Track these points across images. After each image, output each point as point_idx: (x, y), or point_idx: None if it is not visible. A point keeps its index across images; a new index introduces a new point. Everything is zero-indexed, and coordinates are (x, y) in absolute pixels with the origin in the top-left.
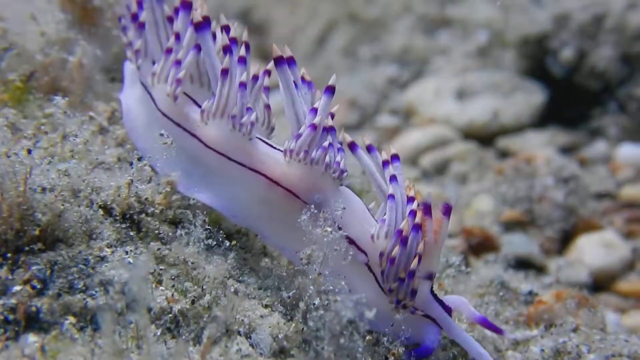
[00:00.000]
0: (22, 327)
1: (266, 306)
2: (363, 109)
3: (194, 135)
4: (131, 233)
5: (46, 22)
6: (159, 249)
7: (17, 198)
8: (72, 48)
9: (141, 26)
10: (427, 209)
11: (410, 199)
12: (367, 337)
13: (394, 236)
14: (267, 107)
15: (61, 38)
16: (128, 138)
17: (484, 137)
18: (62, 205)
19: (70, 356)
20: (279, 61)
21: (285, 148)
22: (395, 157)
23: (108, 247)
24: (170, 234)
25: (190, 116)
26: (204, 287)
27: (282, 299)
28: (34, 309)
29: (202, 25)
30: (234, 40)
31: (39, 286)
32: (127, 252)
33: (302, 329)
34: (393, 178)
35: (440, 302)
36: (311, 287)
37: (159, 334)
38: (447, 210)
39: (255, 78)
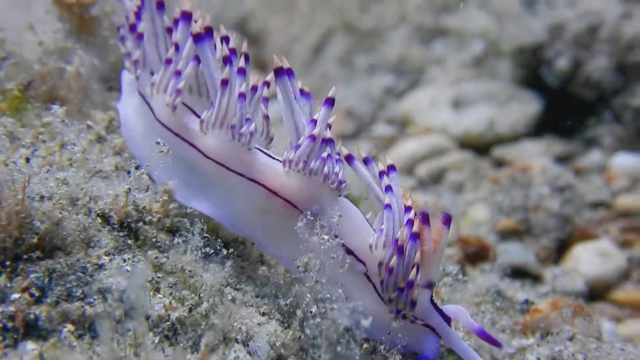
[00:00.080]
0: (21, 335)
1: (264, 314)
2: (359, 119)
3: (193, 145)
4: (129, 241)
5: (44, 32)
6: (156, 257)
7: (15, 206)
8: (70, 57)
9: (140, 37)
10: (424, 217)
11: (408, 209)
12: (365, 345)
13: (391, 246)
14: (266, 117)
15: (59, 47)
16: (125, 147)
17: (479, 146)
18: (61, 213)
19: None
20: (278, 72)
21: (284, 158)
22: (391, 168)
23: (106, 255)
24: (167, 242)
25: (189, 126)
26: (202, 294)
27: (279, 306)
28: (32, 316)
29: (201, 37)
30: (233, 51)
31: (37, 294)
32: (125, 260)
33: (300, 336)
34: (389, 188)
35: (440, 312)
36: (308, 295)
37: (157, 341)
38: (447, 220)
39: (254, 88)
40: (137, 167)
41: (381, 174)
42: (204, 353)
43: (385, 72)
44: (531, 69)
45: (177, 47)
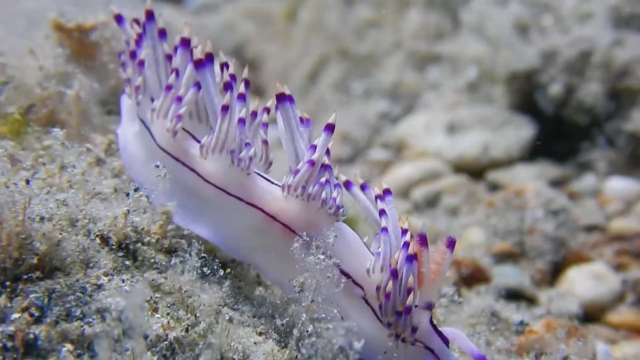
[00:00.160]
0: (21, 355)
1: (260, 333)
2: (355, 143)
3: (193, 169)
4: (127, 262)
5: (44, 57)
6: (153, 279)
7: (16, 227)
8: (70, 81)
9: (141, 64)
10: (422, 239)
11: (404, 231)
12: None
13: (388, 269)
14: (265, 142)
15: (59, 72)
16: (124, 170)
17: (474, 170)
18: (60, 234)
19: None
20: (280, 98)
21: (283, 183)
22: (387, 191)
23: (105, 276)
24: (163, 262)
25: (190, 151)
26: (199, 314)
27: (276, 326)
28: (32, 336)
29: (202, 63)
30: (233, 77)
31: (37, 314)
32: (123, 281)
33: (296, 356)
34: (385, 212)
35: (440, 334)
36: (304, 315)
37: None
38: (451, 244)
39: (254, 114)
40: (136, 190)
41: (377, 197)
42: None
43: (381, 98)
44: (525, 95)
45: (177, 73)
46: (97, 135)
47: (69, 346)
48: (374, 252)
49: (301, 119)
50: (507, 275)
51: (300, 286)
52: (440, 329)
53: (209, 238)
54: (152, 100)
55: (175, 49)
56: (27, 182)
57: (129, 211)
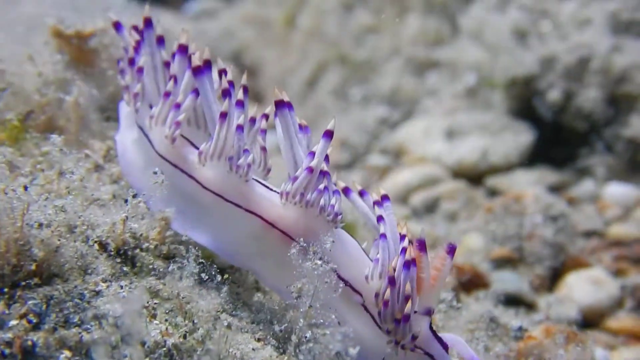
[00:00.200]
0: None
1: (259, 339)
2: (354, 149)
3: (191, 176)
4: (125, 268)
5: (43, 63)
6: (151, 286)
7: (14, 234)
8: (69, 88)
9: (140, 71)
10: (422, 245)
11: (402, 237)
12: None
13: (386, 276)
14: (264, 149)
15: (58, 78)
16: (123, 176)
17: (473, 176)
18: (59, 240)
19: None
20: (279, 105)
21: (281, 190)
22: (385, 197)
23: (103, 282)
24: (162, 269)
25: (188, 158)
26: (197, 321)
27: (274, 332)
28: (30, 343)
29: (200, 70)
30: (231, 83)
31: (35, 320)
32: (121, 287)
33: None
34: (383, 218)
35: (439, 340)
36: (302, 320)
37: None
38: (452, 250)
39: (252, 120)
40: (134, 196)
41: (375, 203)
42: None
43: (379, 103)
44: (524, 100)
45: (175, 80)
46: (96, 142)
47: (67, 353)
48: (373, 258)
49: (300, 126)
50: (506, 280)
51: (297, 292)
52: (439, 334)
53: (207, 244)
54: (151, 107)
55: (174, 55)
56: (26, 188)
57: (127, 217)
